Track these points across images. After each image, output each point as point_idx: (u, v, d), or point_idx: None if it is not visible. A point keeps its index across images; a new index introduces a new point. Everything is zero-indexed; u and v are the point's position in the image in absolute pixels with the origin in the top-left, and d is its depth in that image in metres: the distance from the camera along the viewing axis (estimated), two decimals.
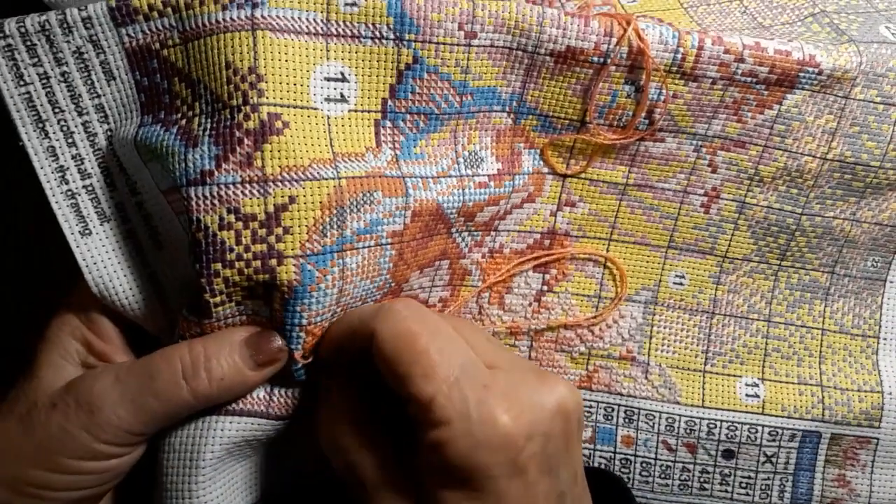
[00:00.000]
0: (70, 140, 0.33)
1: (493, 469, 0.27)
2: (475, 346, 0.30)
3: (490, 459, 0.27)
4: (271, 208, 0.31)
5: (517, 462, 0.27)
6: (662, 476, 0.41)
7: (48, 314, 0.34)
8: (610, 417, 0.41)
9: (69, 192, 0.33)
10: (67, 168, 0.33)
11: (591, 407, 0.41)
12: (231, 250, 0.31)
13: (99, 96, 0.33)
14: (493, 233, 0.39)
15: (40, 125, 0.32)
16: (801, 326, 0.43)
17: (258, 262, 0.31)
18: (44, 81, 0.32)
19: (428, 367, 0.27)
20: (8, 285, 0.45)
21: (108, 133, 0.33)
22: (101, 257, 0.33)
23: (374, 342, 0.29)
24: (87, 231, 0.33)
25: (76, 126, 0.33)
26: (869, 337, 0.43)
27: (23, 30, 0.31)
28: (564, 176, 0.39)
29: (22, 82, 0.32)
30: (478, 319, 0.40)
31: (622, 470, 0.41)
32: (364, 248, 0.33)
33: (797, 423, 0.41)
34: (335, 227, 0.32)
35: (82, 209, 0.33)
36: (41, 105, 0.32)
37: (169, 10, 0.31)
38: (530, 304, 0.41)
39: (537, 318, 0.41)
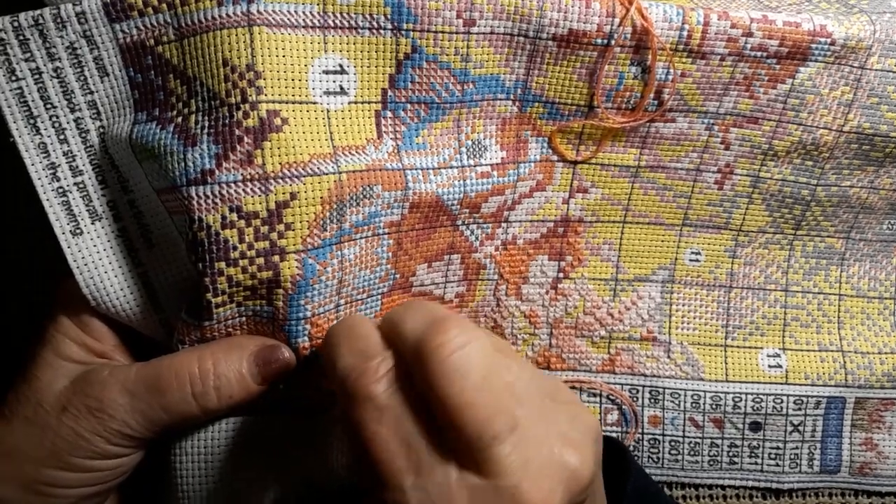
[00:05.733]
0: (62, 136, 0.33)
1: None
2: (463, 425, 0.26)
3: None
4: (273, 205, 0.31)
5: None
6: (692, 453, 0.41)
7: (44, 314, 0.34)
8: (635, 399, 0.41)
9: (60, 190, 0.33)
10: (59, 165, 0.33)
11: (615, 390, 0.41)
12: (234, 248, 0.31)
13: (92, 92, 0.32)
14: (503, 224, 0.39)
15: (32, 121, 0.32)
16: (819, 293, 0.43)
17: (261, 259, 0.31)
18: (36, 77, 0.32)
19: (389, 471, 0.26)
20: (8, 285, 0.44)
21: (101, 130, 0.33)
22: (91, 258, 0.33)
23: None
24: (78, 230, 0.33)
25: (68, 122, 0.33)
26: (886, 298, 0.43)
27: (16, 24, 0.31)
28: (575, 162, 0.39)
29: (14, 77, 0.31)
30: (496, 312, 0.40)
31: (651, 450, 0.41)
32: (361, 238, 0.34)
33: (821, 390, 0.42)
34: (335, 220, 0.32)
35: (73, 207, 0.33)
36: (33, 101, 0.32)
37: (164, 6, 0.31)
38: (547, 292, 0.40)
39: (555, 305, 0.41)
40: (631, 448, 0.41)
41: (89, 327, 0.34)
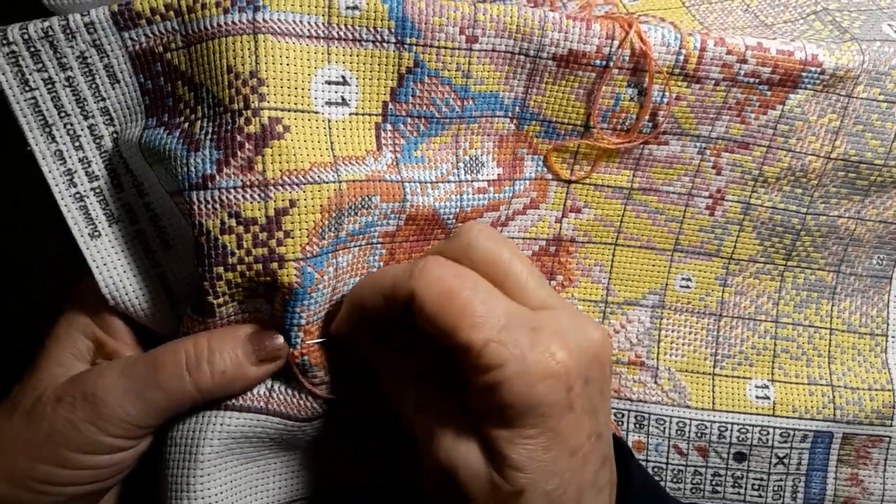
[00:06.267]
0: (77, 143, 0.33)
1: (548, 405, 0.28)
2: (520, 283, 0.30)
3: (545, 396, 0.27)
4: (272, 212, 0.31)
5: (569, 399, 0.28)
6: (674, 480, 0.41)
7: (56, 311, 0.34)
8: (620, 423, 0.41)
9: (77, 195, 0.33)
10: (75, 171, 0.33)
11: None
12: (232, 254, 0.31)
13: (104, 99, 0.33)
14: None
15: (47, 129, 0.33)
16: (809, 326, 0.42)
17: (259, 266, 0.31)
18: (49, 86, 0.32)
19: (475, 317, 0.28)
20: (9, 284, 0.45)
21: (114, 135, 0.33)
22: (110, 258, 0.34)
23: (415, 302, 0.29)
24: (96, 233, 0.33)
25: (82, 129, 0.33)
26: (877, 335, 0.43)
27: (26, 36, 0.31)
28: (569, 182, 0.39)
29: (27, 88, 0.32)
30: None
31: None
32: (355, 246, 0.34)
33: (809, 423, 0.41)
34: (332, 229, 0.32)
35: (91, 211, 0.33)
36: (47, 110, 0.32)
37: (171, 13, 0.31)
38: None
39: None
40: None
41: (108, 324, 0.34)
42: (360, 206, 0.33)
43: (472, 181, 0.37)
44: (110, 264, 0.34)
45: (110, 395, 0.31)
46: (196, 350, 0.32)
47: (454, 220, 0.37)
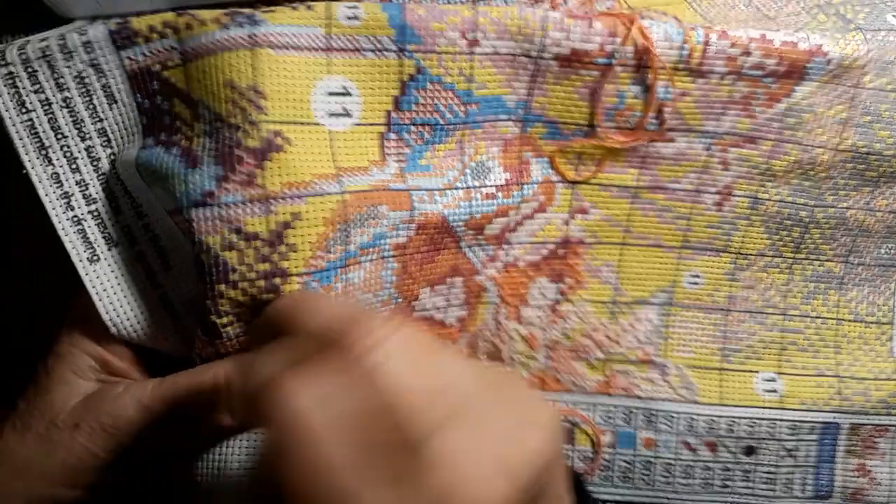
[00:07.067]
0: (74, 166, 0.33)
1: None
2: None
3: None
4: (275, 226, 0.31)
5: None
6: (684, 476, 0.41)
7: (57, 324, 0.34)
8: (630, 421, 0.41)
9: (75, 219, 0.33)
10: (72, 194, 0.33)
11: (610, 411, 0.41)
12: (234, 271, 0.31)
13: (101, 120, 0.32)
14: (505, 246, 0.39)
15: (43, 152, 0.32)
16: (817, 317, 0.42)
17: (263, 282, 0.31)
18: (46, 108, 0.32)
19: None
20: (8, 284, 0.44)
21: (112, 157, 0.33)
22: (110, 284, 0.33)
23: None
24: (95, 257, 0.33)
25: (79, 151, 0.33)
26: (884, 324, 0.43)
27: (24, 56, 0.31)
28: (575, 183, 0.39)
29: (24, 110, 0.31)
30: (496, 336, 0.40)
31: (643, 472, 0.41)
32: (367, 261, 0.33)
33: (816, 415, 0.41)
34: (340, 242, 0.32)
35: (89, 235, 0.33)
36: (44, 132, 0.32)
37: (169, 30, 0.31)
38: (546, 315, 0.40)
39: (553, 327, 0.40)
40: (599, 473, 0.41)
41: (107, 342, 0.33)
42: (367, 216, 0.32)
43: (480, 187, 0.36)
44: (110, 290, 0.33)
45: (130, 428, 0.31)
46: (217, 392, 0.31)
47: (464, 227, 0.36)
